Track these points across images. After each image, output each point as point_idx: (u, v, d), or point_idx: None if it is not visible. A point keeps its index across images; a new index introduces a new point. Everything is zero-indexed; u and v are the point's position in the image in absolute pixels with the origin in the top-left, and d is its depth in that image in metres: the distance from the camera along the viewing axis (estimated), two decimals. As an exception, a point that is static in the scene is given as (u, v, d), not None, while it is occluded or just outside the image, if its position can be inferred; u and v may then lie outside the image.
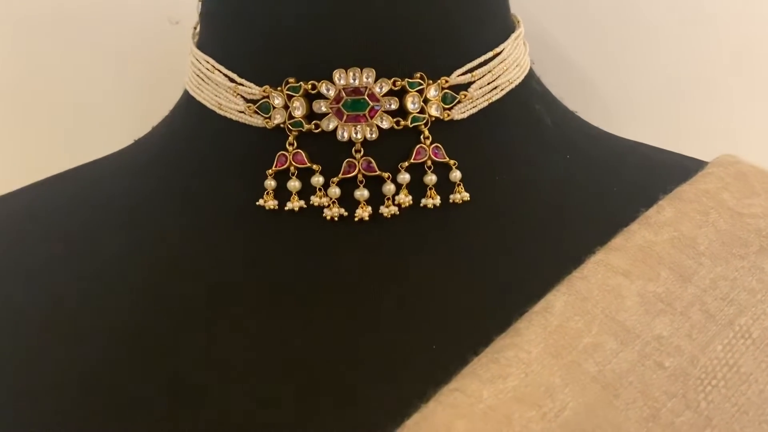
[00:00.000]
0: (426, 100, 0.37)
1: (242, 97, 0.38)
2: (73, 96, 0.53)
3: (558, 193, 0.40)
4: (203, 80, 0.40)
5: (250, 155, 0.39)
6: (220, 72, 0.39)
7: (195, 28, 0.43)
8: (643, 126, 0.66)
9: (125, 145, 0.45)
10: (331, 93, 0.37)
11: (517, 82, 0.40)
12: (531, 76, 0.42)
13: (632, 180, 0.42)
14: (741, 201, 0.40)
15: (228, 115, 0.39)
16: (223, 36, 0.40)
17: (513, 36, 0.41)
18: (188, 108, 0.42)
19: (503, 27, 0.41)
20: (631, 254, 0.36)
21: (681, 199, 0.39)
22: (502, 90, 0.39)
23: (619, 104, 0.67)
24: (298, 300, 0.36)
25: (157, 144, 0.43)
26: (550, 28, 0.65)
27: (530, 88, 0.42)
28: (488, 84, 0.39)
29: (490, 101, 0.39)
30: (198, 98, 0.41)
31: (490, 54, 0.39)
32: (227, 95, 0.39)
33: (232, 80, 0.39)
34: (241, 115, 0.39)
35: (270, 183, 0.38)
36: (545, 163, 0.40)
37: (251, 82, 0.38)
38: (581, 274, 0.36)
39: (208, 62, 0.40)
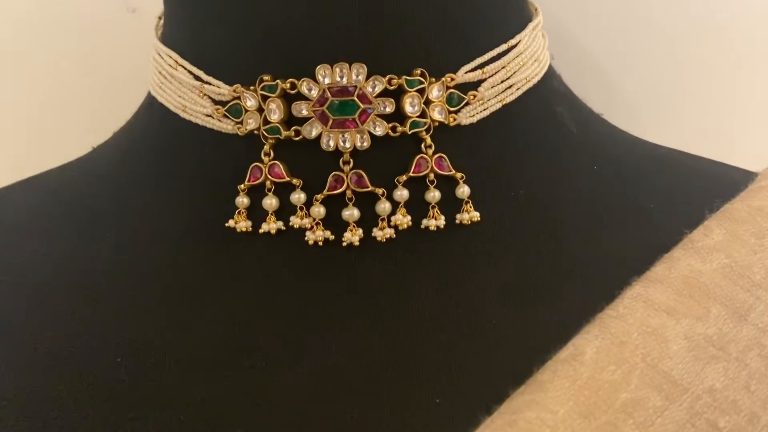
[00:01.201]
0: (427, 102, 0.31)
1: (209, 97, 0.32)
2: (17, 96, 0.47)
3: (585, 211, 0.33)
4: (166, 78, 0.34)
5: (219, 167, 0.33)
6: (184, 69, 0.33)
7: (159, 18, 0.37)
8: (668, 127, 0.60)
9: (83, 149, 0.39)
10: (314, 93, 0.30)
11: (535, 80, 0.34)
12: (551, 74, 0.36)
13: (671, 194, 0.35)
14: (801, 220, 0.34)
15: (193, 119, 0.33)
16: (188, 26, 0.34)
17: (531, 26, 0.34)
18: (150, 111, 0.36)
19: (519, 15, 0.35)
20: (675, 287, 0.30)
21: (732, 219, 0.33)
22: (518, 89, 0.33)
23: (643, 104, 0.61)
24: (262, 351, 0.30)
25: (115, 152, 0.37)
26: (567, 21, 0.59)
27: (551, 88, 0.36)
28: (502, 82, 0.33)
29: (504, 102, 0.33)
30: (160, 99, 0.35)
31: (504, 46, 0.33)
32: (192, 96, 0.33)
33: (197, 78, 0.33)
34: (209, 119, 0.33)
35: (242, 200, 0.32)
36: (569, 176, 0.34)
37: (220, 80, 0.32)
38: (616, 312, 0.29)
39: (170, 57, 0.34)
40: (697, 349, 0.29)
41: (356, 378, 0.29)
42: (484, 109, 0.32)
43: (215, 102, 0.32)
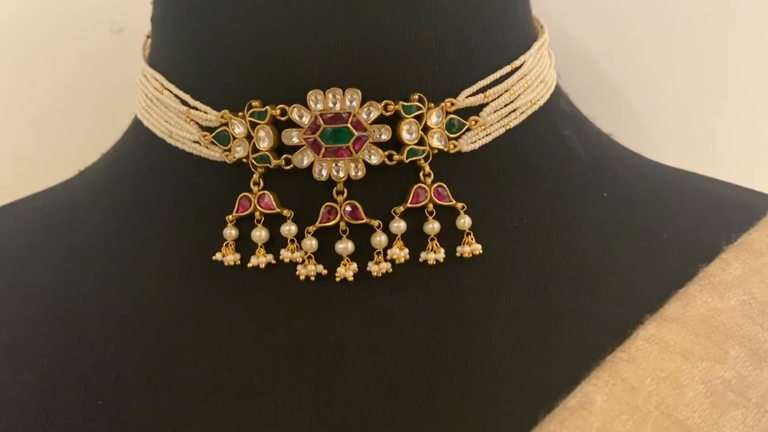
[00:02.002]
0: (426, 129, 0.29)
1: (197, 123, 0.31)
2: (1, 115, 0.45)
3: (593, 243, 0.31)
4: (152, 102, 0.32)
5: (206, 196, 0.31)
6: (171, 92, 0.31)
7: (147, 37, 0.35)
8: (679, 141, 0.58)
9: (69, 170, 0.37)
10: (305, 120, 0.29)
11: (541, 103, 0.32)
12: (558, 95, 0.34)
13: (685, 223, 0.33)
14: (824, 251, 0.32)
15: (180, 145, 0.31)
16: (175, 49, 0.32)
17: (536, 45, 0.33)
18: (136, 134, 0.34)
19: (523, 34, 0.33)
20: (691, 327, 0.28)
21: (750, 251, 0.31)
22: (522, 113, 0.31)
23: (653, 117, 0.58)
24: (250, 388, 0.28)
25: (100, 177, 0.35)
26: (575, 32, 0.57)
27: (558, 110, 0.34)
28: (505, 106, 0.31)
29: (508, 127, 0.31)
30: (146, 123, 0.33)
31: (507, 68, 0.31)
32: (178, 121, 0.31)
33: (184, 103, 0.31)
34: (196, 145, 0.31)
35: (230, 232, 0.30)
36: (577, 205, 0.32)
37: (208, 105, 0.30)
38: (628, 354, 0.28)
39: (156, 80, 0.32)
40: (714, 394, 0.27)
41: (348, 419, 0.28)
42: (487, 135, 0.30)
43: (203, 128, 0.31)
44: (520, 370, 0.28)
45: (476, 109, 0.30)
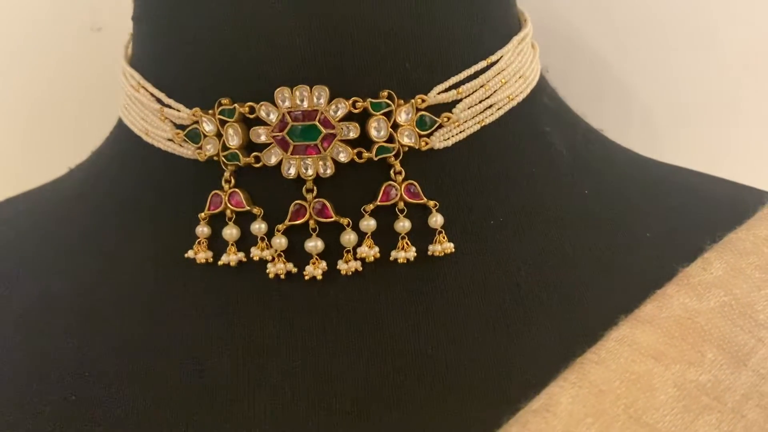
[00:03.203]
0: (395, 126, 0.29)
1: (171, 121, 0.31)
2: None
3: (572, 241, 0.31)
4: (131, 100, 0.33)
5: (181, 194, 0.31)
6: (146, 90, 0.31)
7: (131, 36, 0.35)
8: (686, 135, 0.57)
9: (53, 168, 0.37)
10: (273, 118, 0.29)
11: (519, 99, 0.32)
12: (541, 90, 0.34)
13: (672, 222, 0.32)
14: (815, 250, 0.31)
15: (155, 142, 0.31)
16: (151, 46, 0.32)
17: (515, 39, 0.32)
18: (118, 132, 0.35)
19: (503, 27, 0.32)
20: (665, 328, 0.28)
21: (734, 251, 0.30)
22: (499, 109, 0.31)
23: (663, 112, 0.57)
24: (215, 386, 0.28)
25: (85, 175, 0.36)
26: (579, 24, 0.56)
27: (539, 105, 0.33)
28: (480, 102, 0.30)
29: (483, 124, 0.30)
30: (126, 121, 0.33)
31: (482, 64, 0.30)
32: (154, 119, 0.31)
33: (160, 101, 0.31)
34: (170, 143, 0.31)
35: (202, 230, 0.30)
36: (555, 203, 0.31)
37: (182, 103, 0.30)
38: (597, 356, 0.27)
39: (133, 78, 0.32)
40: (687, 398, 0.26)
41: (312, 418, 0.27)
42: (461, 132, 0.30)
43: (177, 126, 0.31)
44: (489, 371, 0.28)
45: (450, 106, 0.30)
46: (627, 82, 0.57)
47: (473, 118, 0.30)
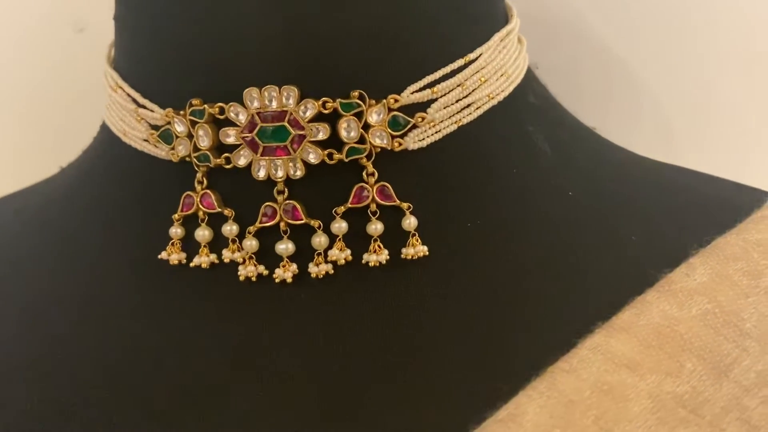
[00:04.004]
0: (367, 126, 0.28)
1: (146, 122, 0.31)
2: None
3: (552, 245, 0.30)
4: (111, 101, 0.33)
5: (158, 194, 0.31)
6: (123, 91, 0.31)
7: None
8: (698, 131, 0.55)
9: (37, 168, 0.38)
10: (242, 118, 0.28)
11: (501, 97, 0.31)
12: (526, 87, 0.33)
13: (661, 225, 0.31)
14: (811, 256, 0.29)
15: (132, 143, 0.31)
16: (130, 46, 0.32)
17: (497, 36, 0.31)
18: (102, 134, 0.35)
19: (485, 23, 0.31)
20: (642, 337, 0.27)
21: (721, 256, 0.29)
22: (478, 108, 0.30)
23: (675, 107, 0.55)
24: (179, 390, 0.28)
25: (74, 175, 0.36)
26: (587, 16, 0.54)
27: (523, 104, 0.32)
28: (457, 101, 0.29)
29: (461, 124, 0.30)
30: (107, 122, 0.33)
31: (460, 62, 0.29)
32: (130, 119, 0.31)
33: (136, 101, 0.31)
34: (146, 144, 0.31)
35: (175, 231, 0.30)
36: (537, 205, 0.30)
37: (156, 103, 0.30)
38: (569, 365, 0.26)
39: (112, 78, 0.32)
40: (663, 410, 0.25)
41: (281, 421, 0.27)
42: (437, 132, 0.29)
43: (152, 126, 0.31)
44: (459, 377, 0.27)
45: (425, 106, 0.29)
46: (637, 76, 0.55)
47: (450, 117, 0.29)
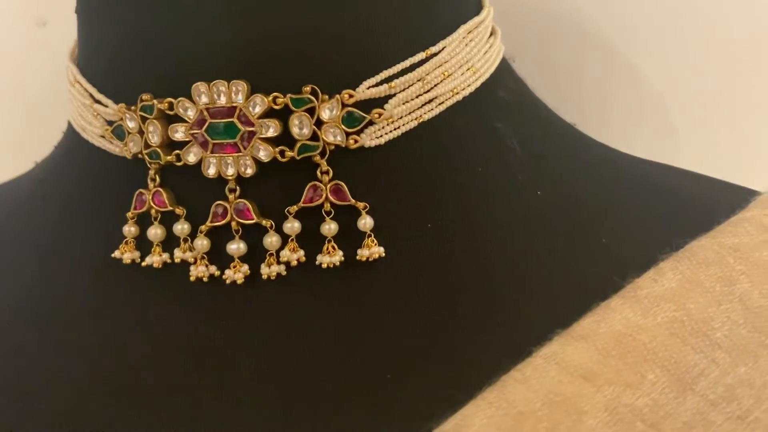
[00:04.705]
0: (319, 123, 0.27)
1: (102, 117, 0.30)
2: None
3: (516, 247, 0.28)
4: (72, 95, 0.32)
5: (114, 191, 0.30)
6: (81, 85, 0.31)
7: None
8: (702, 129, 0.53)
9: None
10: (191, 114, 0.27)
11: (466, 92, 0.29)
12: (497, 81, 0.31)
13: (636, 227, 0.30)
14: (792, 261, 0.28)
15: (90, 139, 0.31)
16: (88, 40, 0.31)
17: (462, 29, 0.30)
18: (68, 130, 0.34)
19: (452, 15, 0.30)
20: (601, 346, 0.25)
21: (693, 260, 0.27)
22: (441, 104, 0.29)
23: (678, 103, 0.53)
24: (121, 391, 0.27)
25: (42, 170, 0.36)
26: (588, 10, 0.52)
27: (491, 99, 0.31)
28: (418, 97, 0.28)
29: (422, 120, 0.28)
30: (69, 117, 0.33)
31: (420, 55, 0.28)
32: (87, 114, 0.31)
33: (92, 96, 0.30)
34: (102, 140, 0.30)
35: (129, 229, 0.29)
36: (502, 204, 0.29)
37: (112, 98, 0.30)
38: (522, 374, 0.25)
39: (71, 73, 0.32)
40: (620, 424, 0.24)
41: (229, 423, 0.26)
42: (395, 129, 0.28)
43: (107, 122, 0.30)
44: (413, 384, 0.26)
45: (383, 101, 0.28)
46: (640, 73, 0.53)
47: (410, 114, 0.28)
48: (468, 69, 0.30)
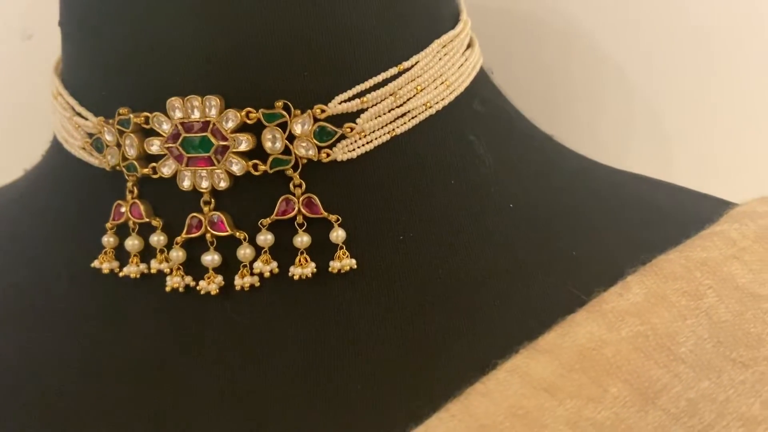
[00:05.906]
0: (292, 137, 0.28)
1: (83, 129, 0.31)
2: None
3: (487, 260, 0.29)
4: (54, 108, 0.33)
5: (95, 202, 0.31)
6: (63, 98, 0.31)
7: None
8: (693, 134, 0.53)
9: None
10: (166, 128, 0.28)
11: (439, 106, 0.30)
12: (471, 94, 0.31)
13: (607, 240, 0.30)
14: (760, 276, 0.28)
15: (72, 151, 0.31)
16: (70, 53, 0.32)
17: (437, 43, 0.30)
18: (53, 140, 0.35)
19: (426, 29, 0.30)
20: (564, 360, 0.25)
21: (659, 275, 0.27)
22: (413, 118, 0.29)
23: (666, 109, 0.53)
24: (90, 403, 0.28)
25: (27, 180, 0.36)
26: (577, 15, 0.52)
27: (465, 112, 0.31)
28: (390, 111, 0.29)
29: (395, 134, 0.29)
30: (53, 129, 0.33)
31: (393, 70, 0.29)
32: (69, 127, 0.31)
33: (73, 108, 0.31)
34: (83, 152, 0.31)
35: (108, 239, 0.30)
36: (475, 217, 0.29)
37: (92, 111, 0.30)
38: (485, 387, 0.25)
39: (55, 85, 0.32)
40: (581, 438, 0.24)
41: None
42: (368, 143, 0.28)
43: (88, 134, 0.31)
44: (379, 398, 0.27)
45: (355, 116, 0.28)
46: (629, 76, 0.53)
47: (382, 128, 0.29)
48: (442, 83, 0.30)
